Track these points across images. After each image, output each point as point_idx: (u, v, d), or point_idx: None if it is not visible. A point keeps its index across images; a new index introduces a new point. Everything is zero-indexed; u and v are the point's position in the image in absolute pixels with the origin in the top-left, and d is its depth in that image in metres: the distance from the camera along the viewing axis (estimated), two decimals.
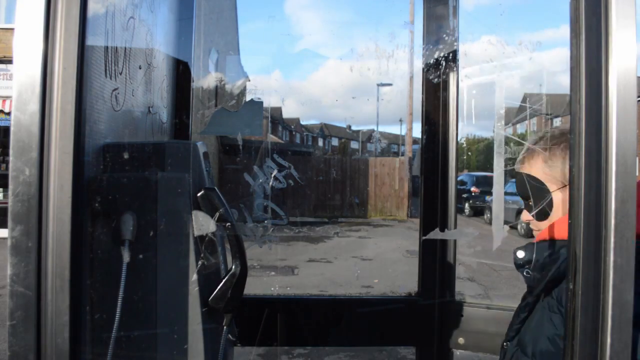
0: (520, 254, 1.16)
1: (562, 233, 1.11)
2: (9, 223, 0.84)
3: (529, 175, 1.18)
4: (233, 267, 1.24)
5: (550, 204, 1.16)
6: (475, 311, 1.87)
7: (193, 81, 2.00)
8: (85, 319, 1.06)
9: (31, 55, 0.85)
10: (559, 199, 1.15)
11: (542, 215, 1.18)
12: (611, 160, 0.88)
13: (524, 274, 1.17)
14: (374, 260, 9.49)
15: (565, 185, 1.13)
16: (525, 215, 1.22)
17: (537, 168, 1.18)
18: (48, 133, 0.85)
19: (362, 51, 1.37)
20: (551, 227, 1.14)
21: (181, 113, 1.99)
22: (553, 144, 1.17)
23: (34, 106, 0.85)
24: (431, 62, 1.85)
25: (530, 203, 1.20)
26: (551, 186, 1.15)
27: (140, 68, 1.54)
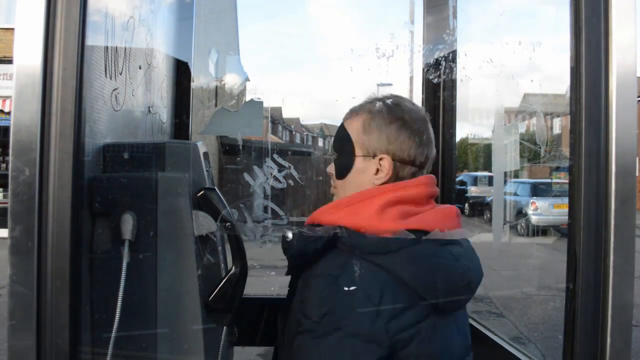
0: (290, 236, 1.07)
1: (331, 218, 1.05)
2: (9, 223, 0.84)
3: (345, 131, 1.12)
4: (233, 267, 1.24)
5: (349, 167, 1.10)
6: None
7: (193, 81, 2.00)
8: (85, 319, 1.06)
9: (31, 55, 0.85)
10: (359, 166, 1.08)
11: (339, 174, 1.12)
12: (611, 160, 0.88)
13: (287, 256, 1.10)
14: None
15: (370, 157, 1.07)
16: (330, 167, 1.16)
17: (354, 128, 1.10)
18: (48, 133, 0.85)
19: (362, 51, 1.37)
20: (323, 212, 1.08)
21: (181, 113, 1.99)
22: (381, 115, 1.08)
23: (34, 106, 0.85)
24: (431, 62, 1.85)
25: (337, 157, 1.14)
26: (358, 150, 1.08)
27: (140, 68, 1.54)
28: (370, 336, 0.92)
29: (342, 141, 1.11)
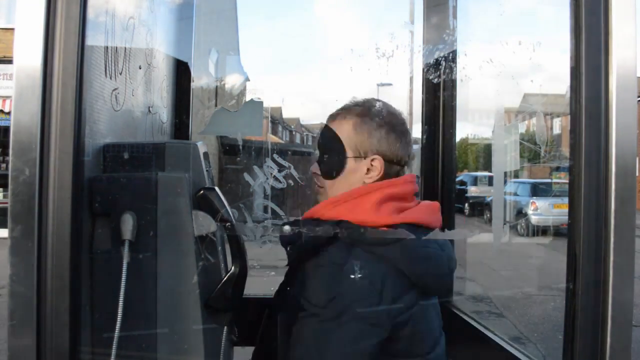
0: (287, 229, 1.15)
1: (331, 213, 1.12)
2: (9, 223, 0.84)
3: (333, 133, 1.17)
4: (233, 267, 1.24)
5: (341, 167, 1.16)
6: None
7: (193, 81, 2.00)
8: (85, 319, 1.06)
9: (31, 55, 0.85)
10: (351, 167, 1.16)
11: (329, 174, 1.18)
12: (611, 160, 0.88)
13: (287, 249, 1.17)
14: None
15: (362, 158, 1.15)
16: (315, 167, 1.21)
17: (344, 130, 1.16)
18: (48, 133, 0.85)
19: (362, 51, 1.37)
20: (322, 208, 1.15)
21: (181, 113, 1.99)
22: (371, 118, 1.16)
23: (34, 106, 0.85)
24: (431, 62, 1.85)
25: (325, 158, 1.19)
26: (349, 151, 1.16)
27: (140, 68, 1.54)
28: (374, 319, 1.02)
29: (331, 143, 1.17)
